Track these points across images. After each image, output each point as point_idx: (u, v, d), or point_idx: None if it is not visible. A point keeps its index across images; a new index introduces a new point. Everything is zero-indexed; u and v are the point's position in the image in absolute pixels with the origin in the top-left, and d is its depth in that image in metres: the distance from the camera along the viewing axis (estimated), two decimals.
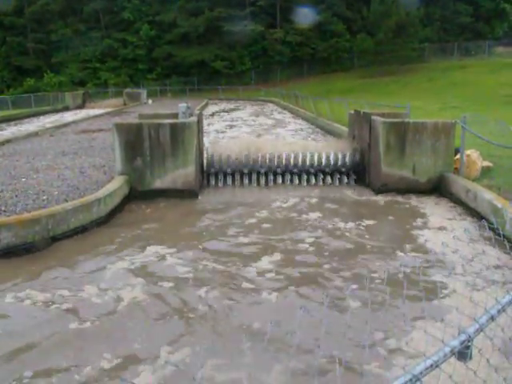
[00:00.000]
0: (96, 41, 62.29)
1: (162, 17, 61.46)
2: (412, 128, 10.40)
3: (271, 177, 11.41)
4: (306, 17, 54.42)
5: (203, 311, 5.41)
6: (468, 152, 10.24)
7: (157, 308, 5.53)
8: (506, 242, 3.25)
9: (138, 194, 10.07)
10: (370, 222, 8.70)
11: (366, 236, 7.93)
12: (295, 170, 11.48)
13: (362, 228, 8.37)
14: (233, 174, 11.38)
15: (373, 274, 6.25)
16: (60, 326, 5.18)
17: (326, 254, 7.11)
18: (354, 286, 5.98)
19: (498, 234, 3.44)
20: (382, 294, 5.50)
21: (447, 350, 1.94)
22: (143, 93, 46.31)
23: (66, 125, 23.58)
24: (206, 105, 40.30)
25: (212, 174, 11.41)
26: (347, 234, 8.06)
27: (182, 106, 11.84)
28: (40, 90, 53.61)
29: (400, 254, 7.07)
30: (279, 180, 11.45)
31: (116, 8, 62.24)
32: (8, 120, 30.59)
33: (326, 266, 6.60)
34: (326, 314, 5.05)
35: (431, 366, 1.84)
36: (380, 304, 5.38)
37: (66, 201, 8.48)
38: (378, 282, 6.02)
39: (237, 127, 24.57)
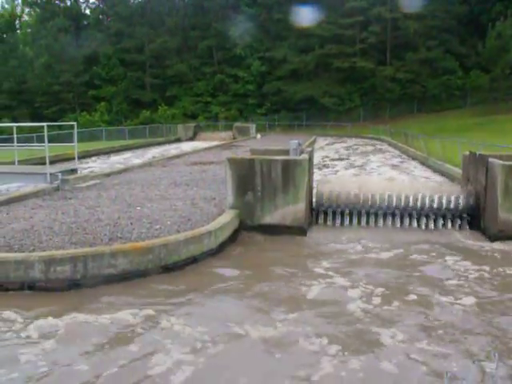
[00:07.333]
0: (208, 76, 65.11)
1: (273, 53, 62.84)
2: None
3: (381, 217, 11.09)
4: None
5: None
6: None
7: None
8: None
9: (247, 228, 10.13)
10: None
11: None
12: (407, 212, 11.06)
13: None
14: (341, 213, 11.15)
15: None
16: None
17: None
18: None
19: None
20: None
21: None
22: (252, 127, 47.07)
23: (178, 156, 24.38)
24: (315, 141, 40.27)
25: (321, 211, 11.24)
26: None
27: (293, 142, 11.88)
28: (154, 121, 56.52)
29: None
30: (389, 221, 11.09)
31: (228, 45, 64.55)
32: (126, 149, 33.17)
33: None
34: None
35: None
36: None
37: (178, 231, 8.68)
38: None
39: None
